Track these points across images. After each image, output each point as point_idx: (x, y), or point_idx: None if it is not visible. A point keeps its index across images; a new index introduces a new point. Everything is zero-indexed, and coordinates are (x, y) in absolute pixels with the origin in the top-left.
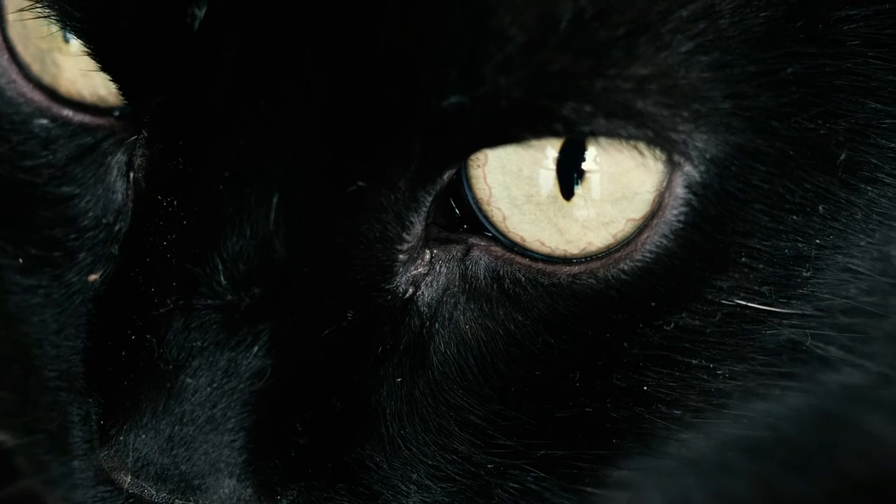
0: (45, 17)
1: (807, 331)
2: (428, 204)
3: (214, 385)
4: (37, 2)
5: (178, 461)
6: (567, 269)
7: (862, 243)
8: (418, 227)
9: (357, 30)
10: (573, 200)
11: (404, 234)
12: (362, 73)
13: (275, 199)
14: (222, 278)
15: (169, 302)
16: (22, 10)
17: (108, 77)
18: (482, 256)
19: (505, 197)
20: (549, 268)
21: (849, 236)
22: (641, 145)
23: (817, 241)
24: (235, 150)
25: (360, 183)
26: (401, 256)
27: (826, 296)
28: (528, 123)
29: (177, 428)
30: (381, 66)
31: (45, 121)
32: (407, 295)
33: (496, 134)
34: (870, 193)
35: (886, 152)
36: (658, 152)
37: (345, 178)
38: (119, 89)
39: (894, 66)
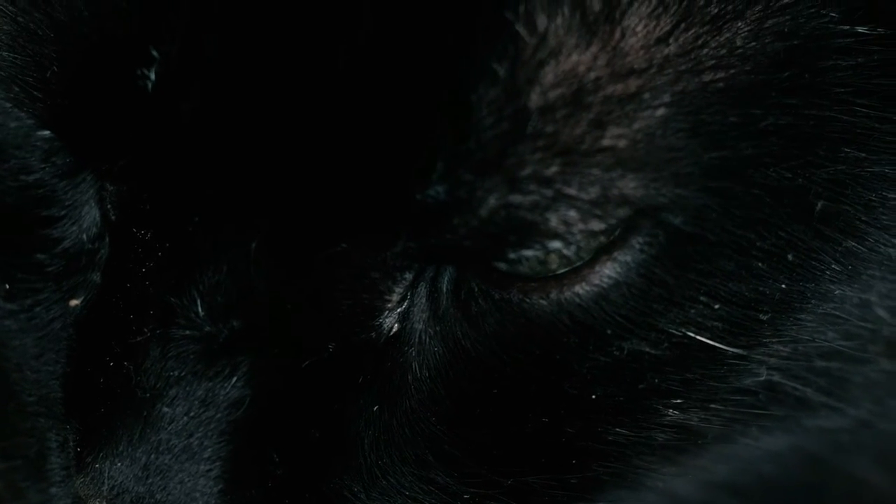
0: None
1: (782, 372)
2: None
3: (191, 414)
4: None
5: (154, 490)
6: (520, 284)
7: (837, 291)
8: (409, 279)
9: (342, 120)
10: None
11: (395, 287)
12: (344, 155)
13: (253, 244)
14: (200, 310)
15: (146, 330)
16: None
17: (66, 145)
18: (446, 269)
19: None
20: (504, 280)
21: (824, 283)
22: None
23: (782, 286)
24: (205, 199)
25: (344, 245)
26: (388, 305)
27: (803, 338)
28: (517, 239)
29: (153, 456)
30: (366, 162)
31: (47, 133)
32: (393, 331)
33: (488, 247)
34: (846, 243)
35: (866, 202)
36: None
37: (326, 240)
38: (76, 157)
39: (881, 113)
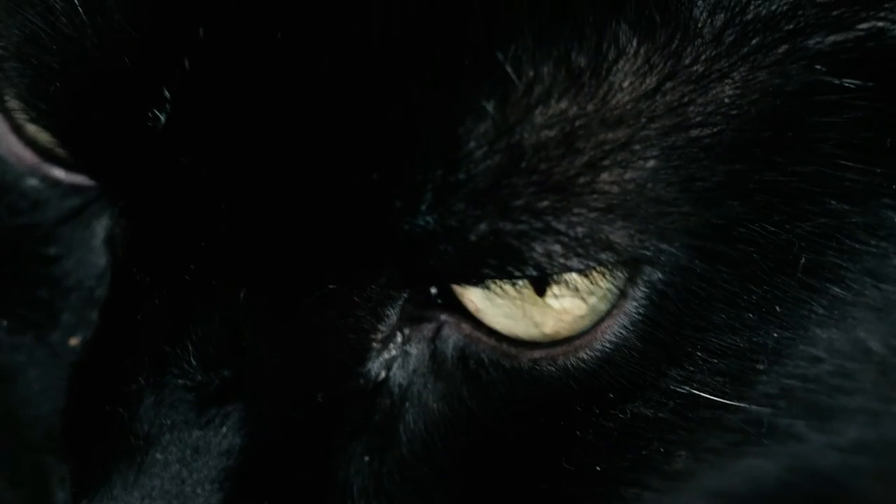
0: (15, 110)
1: (774, 409)
2: (404, 298)
3: (184, 461)
4: (3, 94)
5: None
6: (529, 353)
7: (825, 335)
8: (393, 318)
9: (328, 158)
10: (547, 295)
11: (379, 325)
12: (331, 194)
13: (242, 294)
14: (192, 360)
15: (141, 379)
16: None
17: (79, 167)
18: (451, 334)
19: (479, 291)
20: (513, 350)
21: (811, 328)
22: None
23: (774, 335)
24: (198, 248)
25: (331, 286)
26: (375, 345)
27: (790, 381)
28: (500, 267)
29: (146, 501)
30: (353, 189)
31: (35, 181)
32: (380, 378)
33: (469, 272)
34: (833, 290)
35: (852, 252)
36: (623, 267)
37: (314, 281)
38: (91, 177)
39: (864, 166)
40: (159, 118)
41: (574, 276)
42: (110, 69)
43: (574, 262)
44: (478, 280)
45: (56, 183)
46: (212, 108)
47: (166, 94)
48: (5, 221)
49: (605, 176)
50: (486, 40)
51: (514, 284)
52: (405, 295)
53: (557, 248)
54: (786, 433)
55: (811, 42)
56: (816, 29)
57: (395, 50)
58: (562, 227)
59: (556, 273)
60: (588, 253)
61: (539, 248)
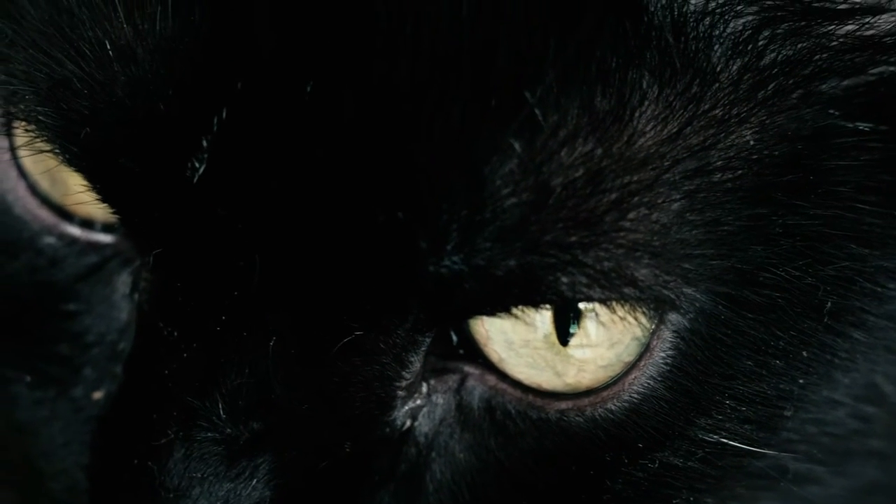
0: (46, 151)
1: (792, 455)
2: (427, 343)
3: None
4: (36, 137)
5: None
6: (556, 404)
7: (846, 379)
8: (417, 365)
9: (357, 199)
10: (570, 345)
11: (403, 373)
12: (360, 237)
13: (271, 344)
14: (222, 413)
15: (170, 432)
16: (19, 146)
17: (110, 211)
18: (476, 386)
19: (502, 341)
20: (539, 401)
21: (832, 373)
22: (633, 303)
23: (800, 381)
24: (231, 299)
25: (358, 332)
26: (399, 392)
27: (812, 426)
28: (523, 295)
29: None
30: (380, 232)
31: (52, 239)
32: (405, 427)
33: (493, 303)
34: (854, 335)
35: (873, 296)
36: (649, 308)
37: (342, 328)
38: (120, 223)
39: (883, 210)
40: (197, 168)
41: (597, 326)
42: (143, 116)
43: (596, 293)
44: (502, 310)
45: (73, 241)
46: (248, 158)
47: (204, 144)
48: (24, 279)
49: (631, 215)
50: (513, 81)
51: (537, 309)
52: (429, 340)
53: (582, 279)
54: (805, 477)
55: (825, 87)
56: (830, 74)
57: (421, 91)
58: (589, 260)
59: (578, 300)
60: (612, 285)
61: (565, 279)
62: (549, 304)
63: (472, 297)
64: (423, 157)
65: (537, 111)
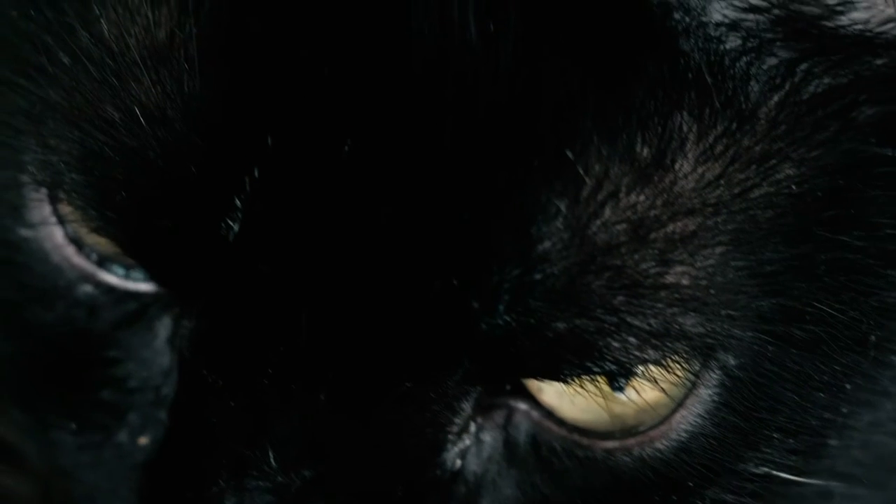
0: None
1: (840, 482)
2: (478, 390)
3: None
4: (69, 202)
5: None
6: (602, 443)
7: (889, 405)
8: (468, 410)
9: (405, 261)
10: (623, 392)
11: (454, 419)
12: (411, 298)
13: (322, 397)
14: (272, 461)
15: (221, 482)
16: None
17: (147, 273)
18: (523, 422)
19: (553, 392)
20: (585, 440)
21: (875, 400)
22: (683, 354)
23: (844, 410)
24: (277, 354)
25: (408, 384)
26: (450, 437)
27: (857, 451)
28: (576, 360)
29: None
30: (433, 294)
31: (89, 287)
32: (456, 467)
33: (548, 367)
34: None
35: None
36: (697, 355)
37: (393, 382)
38: (159, 283)
39: None
40: (232, 227)
41: (647, 366)
42: (176, 178)
43: (650, 354)
44: (556, 375)
45: (110, 289)
46: (285, 216)
47: (237, 203)
48: (62, 327)
49: (676, 268)
50: (554, 139)
51: (592, 380)
52: (479, 389)
53: (633, 340)
54: (847, 496)
55: (862, 116)
56: (867, 103)
57: (464, 155)
58: (636, 321)
59: (633, 365)
60: (663, 344)
61: (615, 343)
62: (604, 372)
63: (525, 356)
64: (470, 219)
65: (580, 168)
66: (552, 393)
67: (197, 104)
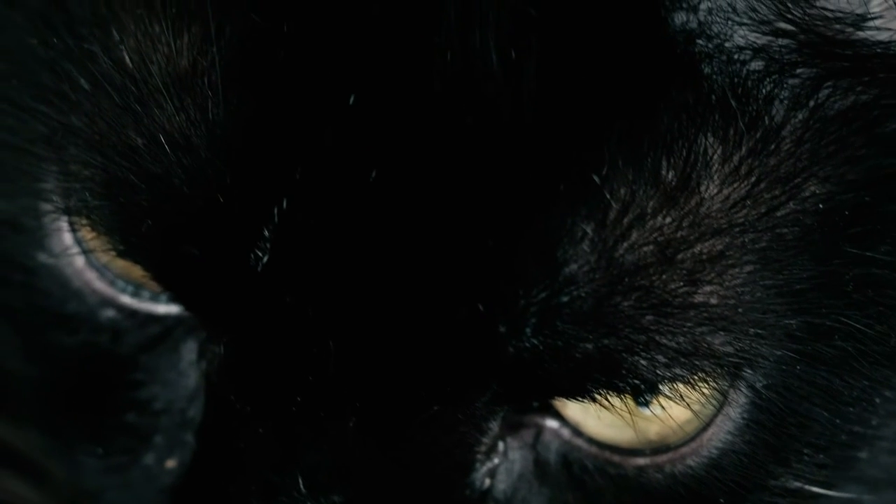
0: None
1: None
2: (505, 410)
3: None
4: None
5: None
6: (633, 460)
7: None
8: (495, 429)
9: (432, 288)
10: (648, 407)
11: (482, 438)
12: (438, 324)
13: (350, 423)
14: (302, 487)
15: None
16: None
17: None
18: (553, 441)
19: (578, 406)
20: (616, 458)
21: None
22: (711, 372)
23: (873, 422)
24: (305, 382)
25: (436, 407)
26: (479, 456)
27: (883, 459)
28: (605, 380)
29: None
30: (460, 319)
31: (112, 311)
32: (485, 486)
33: (575, 386)
34: None
35: None
36: (726, 373)
37: (421, 406)
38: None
39: None
40: (261, 258)
41: (675, 384)
42: (202, 205)
43: (678, 371)
44: (583, 394)
45: (133, 313)
46: (313, 246)
47: (266, 233)
48: (87, 351)
49: (705, 287)
50: (580, 164)
51: (619, 396)
52: (507, 408)
53: (661, 358)
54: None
55: (885, 132)
56: (888, 119)
57: (490, 181)
58: (665, 340)
59: (660, 382)
60: (691, 362)
61: (644, 361)
62: (631, 388)
63: (552, 377)
64: (497, 244)
65: (606, 192)
66: (576, 408)
67: (221, 131)
